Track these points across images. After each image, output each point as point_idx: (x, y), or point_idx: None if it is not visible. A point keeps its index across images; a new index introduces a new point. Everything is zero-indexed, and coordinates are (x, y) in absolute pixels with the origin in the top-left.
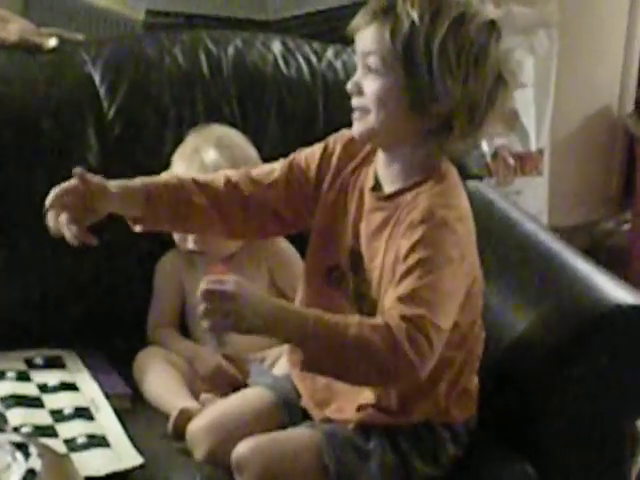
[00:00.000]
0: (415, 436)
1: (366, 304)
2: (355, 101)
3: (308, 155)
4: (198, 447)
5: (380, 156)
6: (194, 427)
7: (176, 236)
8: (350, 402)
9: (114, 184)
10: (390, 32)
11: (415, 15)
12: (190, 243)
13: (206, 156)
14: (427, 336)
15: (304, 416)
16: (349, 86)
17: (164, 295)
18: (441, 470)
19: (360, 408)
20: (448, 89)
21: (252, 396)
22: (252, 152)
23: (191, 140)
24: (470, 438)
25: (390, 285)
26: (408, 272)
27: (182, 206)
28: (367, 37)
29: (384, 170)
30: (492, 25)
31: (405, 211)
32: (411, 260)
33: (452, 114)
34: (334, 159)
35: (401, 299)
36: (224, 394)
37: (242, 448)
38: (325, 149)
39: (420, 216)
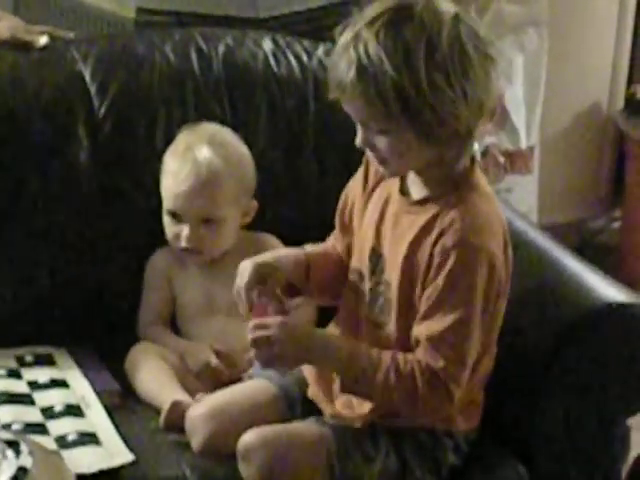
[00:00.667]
0: (419, 444)
1: (379, 304)
2: (370, 154)
3: (349, 193)
4: (196, 434)
5: None
6: (193, 414)
7: (169, 234)
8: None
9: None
10: (378, 98)
11: (390, 70)
12: (183, 242)
13: (199, 153)
14: (447, 389)
15: (308, 412)
16: (359, 143)
17: (154, 293)
18: (438, 478)
19: (369, 409)
20: (454, 112)
21: (253, 387)
22: (244, 150)
23: (183, 138)
24: (469, 448)
25: (419, 306)
26: (439, 305)
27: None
28: (358, 109)
29: (410, 177)
30: (456, 19)
31: (434, 225)
32: (444, 293)
33: (470, 126)
34: (371, 175)
35: (431, 340)
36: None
37: (249, 437)
38: (366, 174)
39: (451, 242)
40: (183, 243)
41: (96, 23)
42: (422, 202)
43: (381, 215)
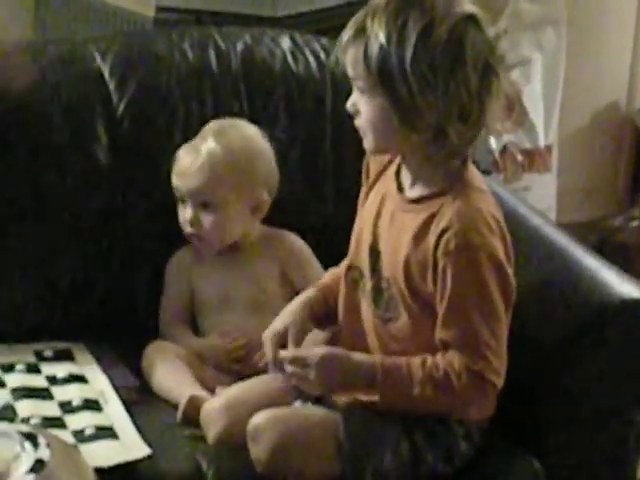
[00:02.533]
0: (430, 431)
1: (382, 301)
2: (356, 122)
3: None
4: (212, 426)
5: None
6: (209, 407)
7: (180, 220)
8: None
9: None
10: (363, 57)
11: (382, 36)
12: (186, 225)
13: (202, 141)
14: (491, 384)
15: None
16: (348, 106)
17: (173, 292)
18: (451, 468)
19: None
20: (430, 103)
21: (268, 380)
22: (261, 146)
23: (205, 129)
24: (483, 438)
25: (438, 308)
26: (458, 309)
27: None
28: (348, 62)
29: (404, 174)
30: (468, 20)
31: (432, 226)
32: (458, 296)
33: (442, 123)
34: (371, 173)
35: (462, 345)
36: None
37: (259, 418)
38: (367, 172)
39: (454, 243)
40: (186, 227)
41: (116, 22)
42: (418, 201)
43: (378, 212)
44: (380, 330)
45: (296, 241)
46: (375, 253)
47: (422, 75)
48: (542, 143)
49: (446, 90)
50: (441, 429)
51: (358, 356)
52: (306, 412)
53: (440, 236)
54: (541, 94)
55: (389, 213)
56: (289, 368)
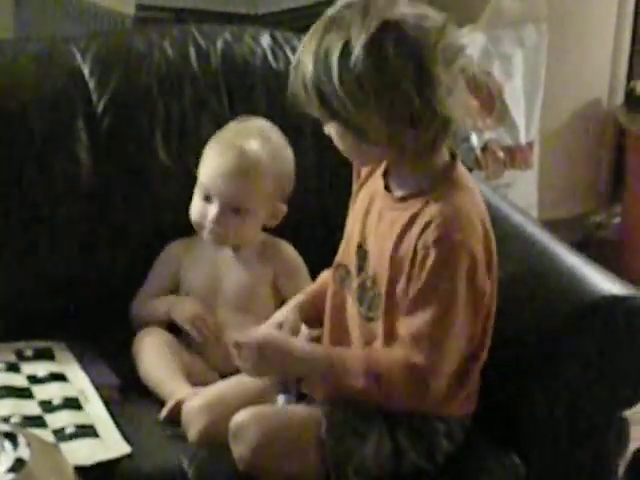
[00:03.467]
0: (411, 427)
1: (367, 299)
2: None
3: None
4: (193, 425)
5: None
6: (189, 406)
7: (195, 213)
8: None
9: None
10: (302, 87)
11: (310, 66)
12: (209, 221)
13: (247, 143)
14: (426, 383)
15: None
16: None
17: (157, 276)
18: (432, 465)
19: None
20: (370, 118)
21: (249, 379)
22: (289, 152)
23: (233, 127)
24: (464, 436)
25: (402, 302)
26: (421, 301)
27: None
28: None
29: (391, 174)
30: (385, 28)
31: (417, 220)
32: (425, 289)
33: (392, 133)
34: (362, 173)
35: (412, 336)
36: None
37: (241, 416)
38: (357, 172)
39: (432, 238)
40: (209, 223)
41: (96, 20)
42: (404, 199)
43: (367, 211)
44: (363, 329)
45: (291, 251)
46: (362, 252)
47: (353, 95)
48: (523, 140)
49: (381, 103)
50: (422, 426)
51: (297, 343)
52: (288, 410)
53: (422, 231)
54: (522, 91)
55: (377, 212)
56: (232, 350)
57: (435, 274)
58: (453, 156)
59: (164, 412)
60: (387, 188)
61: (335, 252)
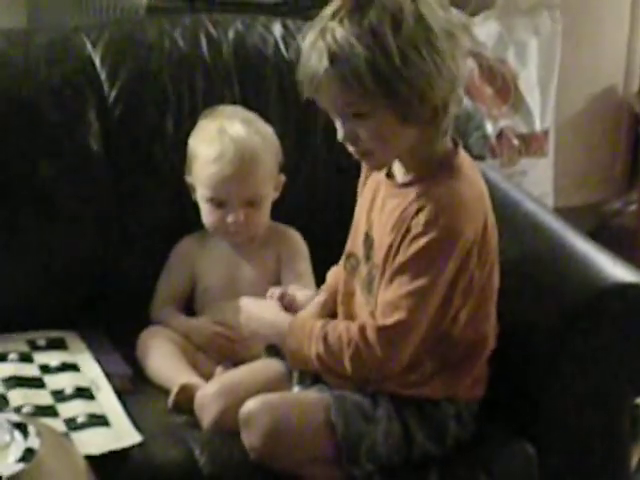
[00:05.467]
0: (420, 410)
1: (374, 288)
2: (353, 149)
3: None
4: (206, 412)
5: None
6: (203, 393)
7: (210, 221)
8: None
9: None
10: (355, 79)
11: (362, 50)
12: (233, 226)
13: (236, 134)
14: (394, 344)
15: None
16: (341, 138)
17: (172, 277)
18: (442, 449)
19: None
20: (430, 83)
21: (262, 365)
22: (266, 124)
23: (209, 123)
24: (474, 421)
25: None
26: (401, 273)
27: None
28: (336, 97)
29: (396, 162)
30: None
31: (414, 203)
32: (408, 263)
33: (445, 97)
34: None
35: (387, 303)
36: (234, 365)
37: (251, 404)
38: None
39: (424, 219)
40: (233, 226)
41: (109, 9)
42: (405, 185)
43: (372, 200)
44: (369, 317)
45: (294, 235)
46: (369, 240)
47: (413, 64)
48: (538, 127)
49: (436, 65)
50: (430, 408)
51: (273, 313)
52: (298, 396)
53: (416, 213)
54: (537, 78)
55: (381, 199)
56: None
57: (419, 252)
58: (456, 144)
59: (171, 400)
60: (389, 175)
61: (344, 243)
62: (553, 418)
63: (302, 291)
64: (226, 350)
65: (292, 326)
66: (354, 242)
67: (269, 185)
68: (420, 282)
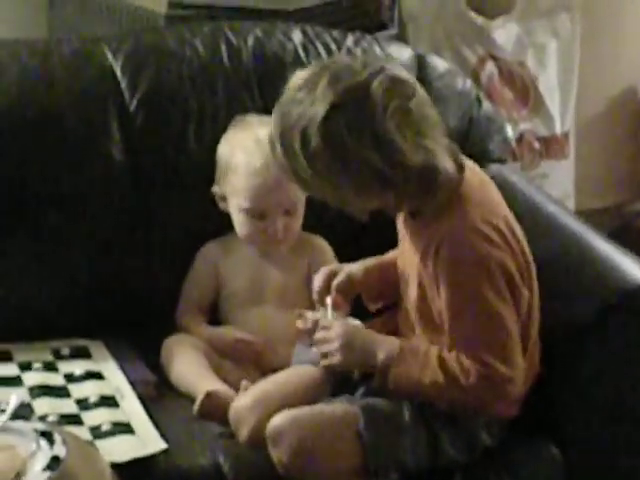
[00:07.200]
0: (450, 420)
1: (408, 321)
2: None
3: None
4: (243, 425)
5: None
6: (238, 405)
7: (248, 232)
8: None
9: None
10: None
11: (282, 156)
12: (277, 235)
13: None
14: (504, 389)
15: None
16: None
17: (197, 283)
18: (470, 458)
19: None
20: (348, 195)
21: (296, 373)
22: None
23: (241, 132)
24: (503, 430)
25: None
26: (456, 315)
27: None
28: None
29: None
30: (332, 112)
31: (432, 238)
32: (453, 304)
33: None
34: None
35: (467, 349)
36: (262, 375)
37: (278, 420)
38: None
39: (446, 254)
40: (273, 237)
41: (128, 19)
42: (422, 223)
43: (403, 239)
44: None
45: (324, 245)
46: (405, 278)
47: (323, 175)
48: (559, 130)
49: (350, 178)
50: (461, 419)
51: (377, 335)
52: (326, 410)
53: (437, 251)
54: (557, 81)
55: (407, 239)
56: (317, 335)
57: (455, 291)
58: (461, 166)
59: (196, 407)
60: (411, 214)
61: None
62: (577, 421)
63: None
64: (250, 356)
65: (402, 354)
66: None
67: (303, 193)
68: (479, 316)
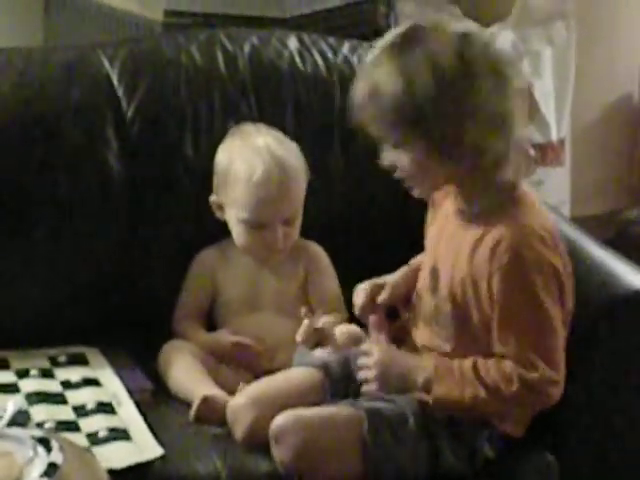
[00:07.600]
0: (451, 430)
1: (441, 320)
2: (397, 174)
3: None
4: (239, 423)
5: None
6: (235, 404)
7: (248, 242)
8: None
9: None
10: (390, 111)
11: (400, 86)
12: (277, 245)
13: (275, 155)
14: (547, 394)
15: (353, 392)
16: (386, 164)
17: (193, 290)
18: (470, 468)
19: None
20: (460, 128)
21: (295, 374)
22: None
23: (239, 141)
24: (505, 443)
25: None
26: (513, 323)
27: None
28: (370, 122)
29: (460, 196)
30: (463, 39)
31: (483, 239)
32: (512, 311)
33: (477, 139)
34: (436, 200)
35: (518, 357)
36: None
37: (281, 420)
38: (432, 200)
39: (506, 259)
40: (273, 247)
41: (125, 27)
42: (472, 219)
43: (440, 233)
44: (430, 344)
45: (319, 251)
46: (436, 272)
47: (449, 106)
48: (554, 137)
49: (472, 109)
50: (464, 430)
51: (413, 358)
52: (331, 411)
53: (493, 251)
54: (552, 88)
55: (449, 234)
56: (360, 360)
57: (513, 294)
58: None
59: (192, 412)
60: (459, 209)
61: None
62: (573, 426)
63: (330, 319)
64: (247, 359)
65: (437, 375)
66: (420, 279)
67: (302, 201)
68: (535, 324)
